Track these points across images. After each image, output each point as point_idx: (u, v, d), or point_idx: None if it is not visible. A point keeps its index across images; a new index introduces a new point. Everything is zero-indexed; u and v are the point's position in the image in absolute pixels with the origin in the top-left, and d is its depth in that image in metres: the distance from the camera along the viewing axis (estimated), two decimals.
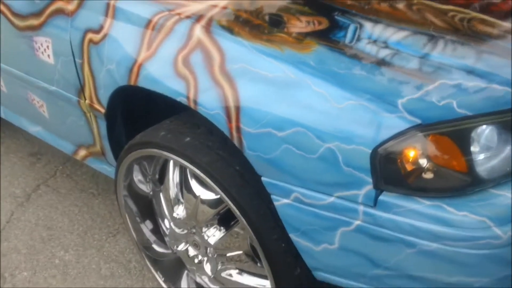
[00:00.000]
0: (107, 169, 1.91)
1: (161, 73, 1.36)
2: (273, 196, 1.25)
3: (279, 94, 1.18)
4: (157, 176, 1.69)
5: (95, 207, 2.40)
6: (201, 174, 1.35)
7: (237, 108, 1.21)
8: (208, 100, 1.26)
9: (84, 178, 2.61)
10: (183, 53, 1.33)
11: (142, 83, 1.40)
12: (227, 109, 1.23)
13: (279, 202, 1.23)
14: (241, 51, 1.25)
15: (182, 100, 1.32)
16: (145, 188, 1.73)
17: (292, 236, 1.26)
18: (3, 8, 1.83)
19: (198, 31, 1.33)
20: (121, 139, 1.76)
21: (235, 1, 1.44)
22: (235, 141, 1.24)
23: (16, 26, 1.79)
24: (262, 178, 1.25)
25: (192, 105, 1.30)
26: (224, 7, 1.41)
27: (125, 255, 2.11)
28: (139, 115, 1.73)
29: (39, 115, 2.00)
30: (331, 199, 1.15)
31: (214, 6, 1.41)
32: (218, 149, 1.35)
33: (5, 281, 2.02)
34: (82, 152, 1.97)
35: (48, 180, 2.63)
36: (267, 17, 1.37)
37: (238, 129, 1.22)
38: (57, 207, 2.42)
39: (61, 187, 2.55)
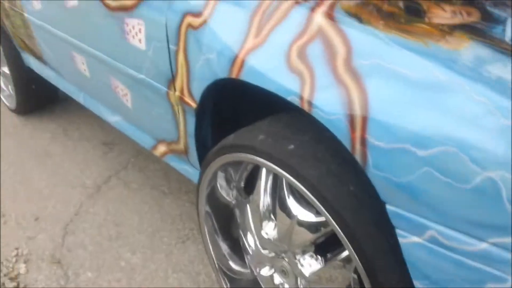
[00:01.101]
0: (187, 169, 1.73)
1: (270, 66, 1.14)
2: (398, 231, 0.99)
3: (422, 99, 0.92)
4: (243, 184, 1.48)
5: (166, 207, 2.25)
6: (305, 190, 1.12)
7: (365, 114, 0.97)
8: (327, 102, 1.03)
9: (156, 173, 2.47)
10: (299, 43, 1.10)
11: (246, 76, 1.19)
12: (350, 115, 0.99)
13: (407, 239, 0.98)
14: (373, 44, 1.01)
15: (294, 99, 1.09)
16: (227, 195, 1.53)
17: (418, 283, 1.00)
18: None
19: (319, 17, 1.10)
20: (206, 139, 1.57)
21: None
22: (357, 156, 1.00)
23: (107, 5, 1.65)
24: (387, 206, 1.00)
25: (305, 107, 1.07)
26: None
27: (194, 265, 1.92)
28: (228, 113, 1.53)
29: (121, 104, 1.86)
30: (483, 245, 0.88)
31: None
32: (329, 162, 1.12)
33: (68, 280, 1.89)
34: (162, 148, 1.80)
35: (119, 172, 2.51)
36: (401, 3, 1.12)
37: (363, 141, 0.98)
38: (127, 203, 2.28)
39: (132, 181, 2.42)
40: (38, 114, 3.06)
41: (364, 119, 0.97)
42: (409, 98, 0.94)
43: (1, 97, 3.16)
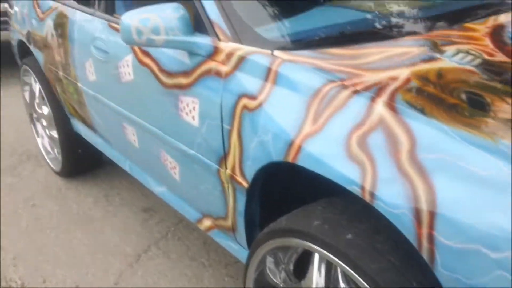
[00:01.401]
0: (232, 246, 1.70)
1: (329, 154, 1.13)
2: None
3: (493, 198, 0.90)
4: (292, 267, 1.44)
5: (205, 281, 2.20)
6: (364, 283, 1.08)
7: (432, 210, 0.94)
8: (391, 195, 1.01)
9: (196, 244, 2.44)
10: (359, 132, 1.10)
11: (303, 161, 1.18)
12: (417, 210, 0.96)
13: None
14: (438, 137, 1.00)
15: (354, 189, 1.08)
16: (275, 277, 1.48)
17: None
18: (150, 62, 1.76)
19: (380, 107, 1.10)
20: (254, 217, 1.55)
21: (417, 71, 1.21)
22: (424, 253, 0.96)
23: (162, 82, 1.70)
24: None
25: (367, 198, 1.05)
26: (407, 80, 1.18)
27: None
28: (277, 193, 1.52)
29: (169, 176, 1.87)
30: None
31: (394, 78, 1.19)
32: (389, 254, 1.08)
33: None
34: (207, 222, 1.79)
35: (159, 241, 2.50)
36: (464, 96, 1.11)
37: (431, 238, 0.95)
38: (166, 274, 2.25)
39: (171, 251, 2.40)
40: (81, 178, 3.12)
41: (432, 215, 0.94)
42: (479, 196, 0.91)
43: (47, 159, 3.24)
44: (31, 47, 2.84)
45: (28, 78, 3.16)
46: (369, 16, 1.64)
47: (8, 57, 5.93)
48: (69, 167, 3.04)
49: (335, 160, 1.11)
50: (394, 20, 1.59)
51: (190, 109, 1.58)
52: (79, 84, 2.37)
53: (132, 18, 1.55)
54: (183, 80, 1.60)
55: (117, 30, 1.97)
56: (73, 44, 2.30)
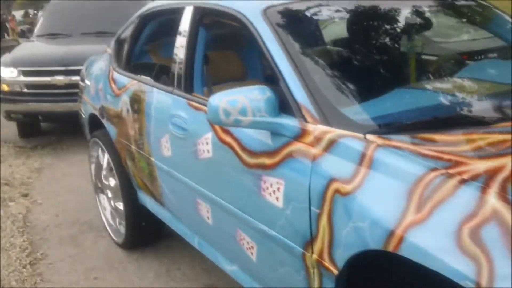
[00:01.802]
0: None
1: (438, 245, 1.08)
2: None
3: None
4: None
5: None
6: None
7: None
8: None
9: None
10: (471, 224, 1.05)
11: (407, 252, 1.13)
12: None
13: None
14: None
15: (467, 285, 1.01)
16: None
17: None
18: (231, 140, 1.78)
19: (492, 199, 1.06)
20: None
21: None
22: None
23: (243, 161, 1.70)
24: None
25: None
26: None
27: None
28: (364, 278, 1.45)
29: (244, 255, 1.83)
30: None
31: (502, 167, 1.15)
32: None
33: None
34: None
35: None
36: None
37: None
38: None
39: None
40: (142, 250, 3.11)
41: None
42: None
43: (109, 230, 3.27)
44: (104, 121, 2.95)
45: (96, 150, 3.26)
46: (456, 99, 1.62)
47: (71, 127, 6.22)
48: (132, 239, 3.04)
49: (445, 252, 1.06)
50: (483, 104, 1.56)
51: (274, 189, 1.57)
52: (152, 159, 2.42)
53: (221, 99, 1.59)
54: (267, 160, 1.60)
55: (196, 108, 2.03)
56: (149, 120, 2.38)
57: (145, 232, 3.02)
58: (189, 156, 2.04)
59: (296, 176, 1.48)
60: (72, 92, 5.22)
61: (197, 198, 2.07)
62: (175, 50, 2.28)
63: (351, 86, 1.67)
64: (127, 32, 2.90)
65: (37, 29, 6.23)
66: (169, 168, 2.26)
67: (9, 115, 5.51)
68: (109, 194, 3.20)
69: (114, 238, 3.19)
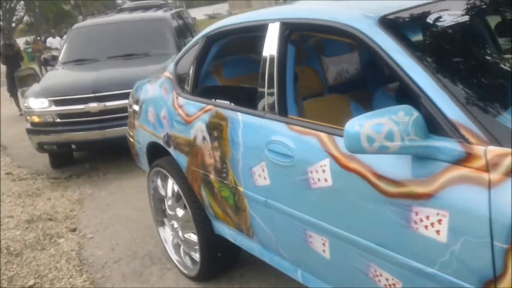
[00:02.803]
0: None
1: None
2: None
3: None
4: None
5: None
6: None
7: None
8: None
9: None
10: None
11: None
12: None
13: None
14: None
15: None
16: None
17: None
18: (360, 167, 1.60)
19: None
20: None
21: None
22: None
23: (381, 190, 1.53)
24: None
25: None
26: None
27: None
28: None
29: None
30: None
31: None
32: None
33: None
34: None
35: None
36: None
37: None
38: None
39: None
40: (216, 280, 2.93)
41: None
42: None
43: (176, 263, 3.09)
44: (171, 150, 2.78)
45: (159, 180, 3.09)
46: None
47: (103, 154, 6.06)
48: (207, 271, 2.87)
49: None
50: None
51: (432, 222, 1.39)
52: (240, 189, 2.24)
53: (362, 125, 1.41)
54: (418, 189, 1.42)
55: (302, 132, 1.86)
56: (235, 147, 2.20)
57: (220, 263, 2.84)
58: (297, 185, 1.87)
59: (466, 206, 1.30)
60: (106, 118, 5.09)
61: (308, 230, 1.89)
62: (262, 71, 2.11)
63: (506, 96, 1.49)
64: (190, 54, 2.73)
65: (61, 56, 6.08)
66: (265, 198, 2.08)
67: (42, 147, 5.35)
68: (175, 225, 3.03)
69: (185, 272, 3.01)
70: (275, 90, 2.03)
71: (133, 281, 3.16)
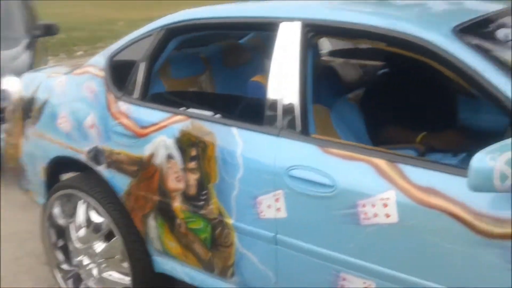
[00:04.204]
0: None
1: None
2: None
3: None
4: None
5: None
6: None
7: None
8: None
9: None
10: None
11: None
12: None
13: None
14: None
15: None
16: None
17: None
18: (444, 203, 1.39)
19: None
20: None
21: None
22: None
23: (479, 230, 1.34)
24: None
25: None
26: None
27: None
28: None
29: None
30: None
31: None
32: None
33: None
34: None
35: None
36: None
37: None
38: None
39: None
40: None
41: None
42: None
43: None
44: (101, 168, 2.19)
45: (67, 206, 2.41)
46: None
47: None
48: None
49: None
50: None
51: None
52: (228, 221, 1.83)
53: (495, 159, 1.21)
54: None
55: (348, 157, 1.57)
56: (228, 171, 1.79)
57: None
58: (336, 221, 1.58)
59: None
60: None
61: (343, 272, 1.60)
62: (276, 79, 1.76)
63: None
64: (136, 48, 2.19)
65: None
66: (274, 233, 1.72)
67: None
68: (86, 262, 2.40)
69: None
70: (297, 104, 1.70)
71: None
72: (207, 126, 1.88)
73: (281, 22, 1.79)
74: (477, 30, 1.61)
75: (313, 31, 1.74)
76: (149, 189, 2.05)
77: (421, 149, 2.01)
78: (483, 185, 1.24)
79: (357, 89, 2.38)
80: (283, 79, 1.74)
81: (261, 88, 2.06)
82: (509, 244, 1.30)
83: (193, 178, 1.90)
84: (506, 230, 1.31)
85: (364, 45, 2.74)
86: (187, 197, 1.94)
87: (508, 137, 2.03)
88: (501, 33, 1.64)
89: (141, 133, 2.04)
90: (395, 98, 2.17)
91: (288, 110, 1.72)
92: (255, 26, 1.89)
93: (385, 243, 1.51)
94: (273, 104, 1.75)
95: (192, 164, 1.90)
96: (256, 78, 2.13)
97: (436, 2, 1.89)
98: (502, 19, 1.77)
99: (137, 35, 2.21)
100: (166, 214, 2.03)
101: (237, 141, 1.79)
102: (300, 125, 1.70)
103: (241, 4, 2.14)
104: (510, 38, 1.62)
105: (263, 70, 2.60)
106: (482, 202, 1.35)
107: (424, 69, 2.14)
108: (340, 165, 1.59)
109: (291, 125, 1.71)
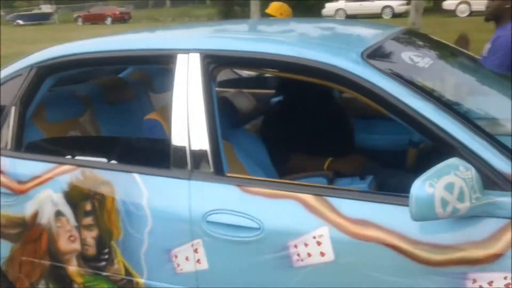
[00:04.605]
0: None
1: None
2: None
3: None
4: None
5: None
6: None
7: None
8: None
9: None
10: None
11: None
12: None
13: None
14: None
15: None
16: None
17: None
18: (379, 233, 1.32)
19: None
20: None
21: None
22: None
23: (418, 258, 1.29)
24: None
25: None
26: None
27: None
28: None
29: None
30: None
31: None
32: None
33: None
34: None
35: None
36: None
37: None
38: None
39: None
40: None
41: None
42: None
43: None
44: None
45: None
46: None
47: None
48: None
49: None
50: None
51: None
52: (138, 280, 1.60)
53: (434, 186, 1.17)
54: (474, 253, 1.24)
55: (272, 196, 1.44)
56: (134, 223, 1.57)
57: None
58: (267, 265, 1.43)
59: None
60: None
61: None
62: (180, 116, 1.57)
63: None
64: (3, 91, 1.85)
65: None
66: (198, 286, 1.53)
67: None
68: None
69: None
70: (206, 142, 1.54)
71: None
72: (102, 175, 1.63)
73: (178, 53, 1.62)
74: (383, 54, 1.60)
75: (214, 62, 1.59)
76: (37, 253, 1.73)
77: (330, 175, 1.96)
78: (426, 214, 1.18)
79: (253, 119, 2.28)
80: (188, 115, 1.57)
81: (159, 126, 1.87)
82: (454, 270, 1.27)
83: (90, 236, 1.64)
84: (446, 256, 1.27)
85: (252, 73, 2.69)
86: (85, 258, 1.66)
87: (409, 155, 2.14)
88: (405, 56, 1.65)
89: (20, 190, 1.72)
90: (294, 126, 2.11)
91: (198, 149, 1.54)
92: (144, 59, 1.69)
93: (323, 284, 1.40)
94: (179, 144, 1.57)
95: (88, 220, 1.63)
96: (151, 116, 1.92)
97: (338, 26, 1.87)
98: (402, 42, 1.80)
99: (4, 75, 1.88)
100: (60, 280, 1.72)
101: (142, 189, 1.57)
102: (212, 164, 1.53)
103: (122, 36, 1.94)
104: (414, 60, 1.63)
105: (155, 106, 2.41)
106: (419, 230, 1.30)
107: (318, 95, 2.15)
108: (264, 205, 1.45)
109: (203, 165, 1.54)
